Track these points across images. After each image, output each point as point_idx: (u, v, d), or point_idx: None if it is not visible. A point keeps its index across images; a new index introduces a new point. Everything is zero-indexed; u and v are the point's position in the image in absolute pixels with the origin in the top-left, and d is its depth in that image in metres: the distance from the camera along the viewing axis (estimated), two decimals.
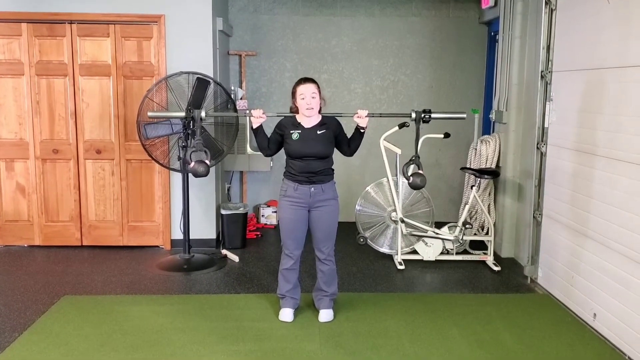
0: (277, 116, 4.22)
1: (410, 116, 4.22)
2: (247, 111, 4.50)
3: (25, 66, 5.58)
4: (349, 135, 4.16)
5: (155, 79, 5.56)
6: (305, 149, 3.97)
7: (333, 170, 4.14)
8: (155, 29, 5.57)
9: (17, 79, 5.60)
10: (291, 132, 4.01)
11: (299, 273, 4.24)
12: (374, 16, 6.84)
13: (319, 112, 4.10)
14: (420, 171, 4.10)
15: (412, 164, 4.20)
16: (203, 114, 4.36)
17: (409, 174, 4.14)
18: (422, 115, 4.18)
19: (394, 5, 6.82)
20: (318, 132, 4.01)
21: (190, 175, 5.34)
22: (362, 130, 4.07)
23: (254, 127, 4.05)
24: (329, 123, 4.07)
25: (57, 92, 5.63)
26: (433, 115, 4.20)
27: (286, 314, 4.17)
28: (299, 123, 4.04)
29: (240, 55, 6.75)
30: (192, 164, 4.21)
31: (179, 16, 5.56)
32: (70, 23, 5.53)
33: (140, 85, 5.62)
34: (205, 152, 4.26)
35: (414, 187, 4.13)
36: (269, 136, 4.12)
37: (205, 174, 4.23)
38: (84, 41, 5.57)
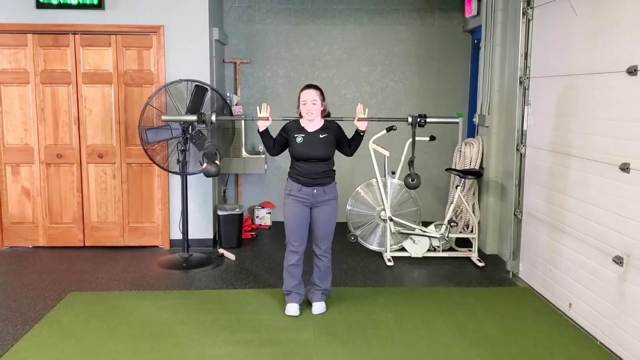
0: (282, 120, 4.47)
1: (407, 120, 4.57)
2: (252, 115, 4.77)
3: (30, 75, 5.81)
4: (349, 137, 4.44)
5: (154, 87, 5.80)
6: (309, 151, 4.24)
7: (334, 171, 4.41)
8: (155, 39, 5.81)
9: (22, 88, 5.83)
10: (295, 136, 4.27)
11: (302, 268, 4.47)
12: (363, 25, 7.11)
13: (327, 116, 4.38)
14: (414, 172, 4.49)
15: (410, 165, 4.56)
16: (214, 118, 4.63)
17: (405, 175, 4.55)
18: (418, 119, 4.54)
19: (381, 15, 7.09)
20: (320, 136, 4.28)
21: (188, 177, 5.59)
22: (361, 133, 4.36)
23: (260, 130, 4.31)
24: (331, 127, 4.34)
25: (61, 99, 5.86)
26: (428, 120, 4.58)
27: (293, 309, 4.36)
28: (303, 127, 4.30)
29: (235, 63, 7.00)
30: (205, 164, 4.46)
31: (177, 27, 5.80)
32: (74, 34, 5.77)
33: (140, 93, 5.86)
34: (216, 152, 4.51)
35: (408, 187, 4.56)
36: (274, 137, 4.38)
37: (217, 174, 4.55)
38: (87, 51, 5.81)
